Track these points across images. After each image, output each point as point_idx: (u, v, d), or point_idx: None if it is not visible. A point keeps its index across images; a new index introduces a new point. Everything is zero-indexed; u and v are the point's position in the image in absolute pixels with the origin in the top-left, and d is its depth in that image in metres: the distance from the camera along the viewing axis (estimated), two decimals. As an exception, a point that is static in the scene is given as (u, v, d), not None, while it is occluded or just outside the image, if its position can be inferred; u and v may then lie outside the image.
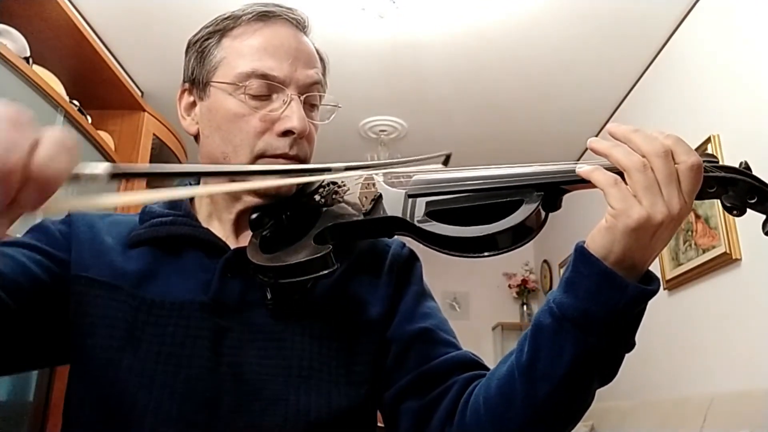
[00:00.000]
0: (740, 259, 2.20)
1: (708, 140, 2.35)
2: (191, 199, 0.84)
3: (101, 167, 0.40)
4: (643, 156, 0.56)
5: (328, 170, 0.65)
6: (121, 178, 0.43)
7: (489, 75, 3.10)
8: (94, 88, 2.48)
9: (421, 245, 0.68)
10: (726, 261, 2.25)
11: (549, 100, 3.32)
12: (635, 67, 3.01)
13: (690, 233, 2.53)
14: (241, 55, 0.75)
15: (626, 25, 2.68)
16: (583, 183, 0.61)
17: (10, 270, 0.67)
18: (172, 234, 0.76)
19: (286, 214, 0.77)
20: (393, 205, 0.70)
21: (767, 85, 2.08)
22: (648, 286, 0.58)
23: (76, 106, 2.18)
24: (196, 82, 0.79)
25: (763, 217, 0.60)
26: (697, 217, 2.47)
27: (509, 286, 4.81)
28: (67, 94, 2.15)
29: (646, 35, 2.77)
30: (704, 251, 2.41)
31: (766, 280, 2.06)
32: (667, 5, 2.57)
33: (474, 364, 0.75)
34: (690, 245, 2.53)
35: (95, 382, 0.69)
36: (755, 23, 2.17)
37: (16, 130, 0.37)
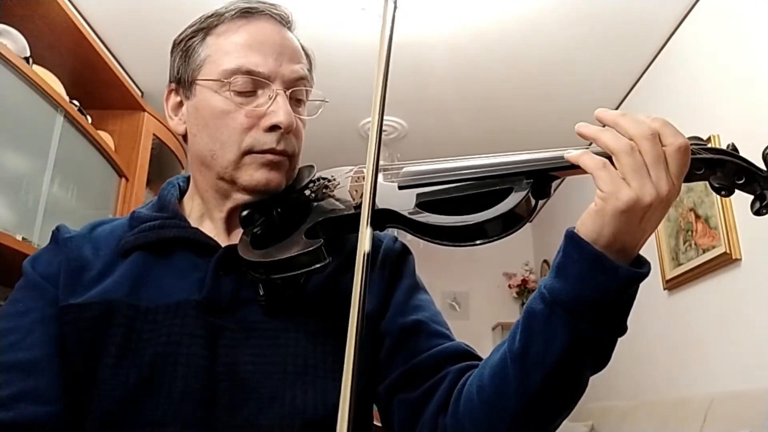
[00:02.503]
0: (740, 259, 2.20)
1: (708, 140, 2.35)
2: (180, 200, 0.84)
3: None
4: (631, 139, 0.56)
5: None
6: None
7: (489, 75, 3.10)
8: (94, 88, 2.47)
9: (414, 237, 0.68)
10: (726, 261, 2.25)
11: (549, 100, 3.32)
12: (635, 67, 3.01)
13: (690, 233, 2.53)
14: (226, 52, 0.75)
15: (626, 25, 2.68)
16: (572, 168, 0.61)
17: (51, 381, 0.68)
18: (161, 238, 0.76)
19: (277, 210, 0.76)
20: (384, 197, 0.70)
21: (767, 85, 2.08)
22: (639, 269, 0.58)
23: (76, 106, 2.18)
24: (182, 82, 0.79)
25: (751, 197, 0.60)
26: (697, 217, 2.47)
27: (509, 286, 4.81)
28: (67, 94, 2.14)
29: (646, 35, 2.77)
30: (704, 251, 2.41)
31: (766, 280, 2.06)
32: (667, 5, 2.57)
33: (467, 354, 0.75)
34: (690, 245, 2.53)
35: (96, 399, 0.68)
36: (755, 23, 2.17)
37: None
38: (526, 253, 4.82)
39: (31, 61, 1.96)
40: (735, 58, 2.28)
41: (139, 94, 2.96)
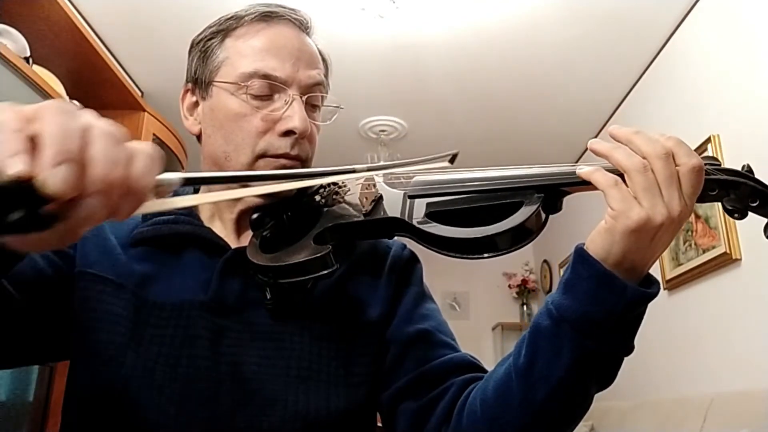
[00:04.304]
0: (740, 259, 2.20)
1: (708, 140, 2.35)
2: None
3: (176, 176, 0.46)
4: (644, 158, 0.56)
5: (352, 171, 0.65)
6: (191, 183, 0.47)
7: (489, 75, 3.10)
8: (94, 88, 2.48)
9: (421, 246, 0.68)
10: (726, 261, 2.25)
11: (549, 100, 3.32)
12: (635, 67, 3.01)
13: (690, 233, 2.53)
14: (244, 55, 0.75)
15: (626, 25, 2.68)
16: (584, 185, 0.61)
17: (22, 269, 0.67)
18: (174, 232, 0.76)
19: (287, 214, 0.77)
20: (393, 206, 0.70)
21: (767, 85, 2.09)
22: (648, 288, 0.57)
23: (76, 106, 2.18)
24: (199, 82, 0.79)
25: (765, 220, 0.60)
26: (697, 217, 2.47)
27: (509, 286, 4.81)
28: (67, 94, 2.15)
29: (646, 35, 2.77)
30: (704, 251, 2.41)
31: (766, 280, 2.06)
32: (667, 5, 2.57)
33: (472, 366, 0.75)
34: (690, 245, 2.53)
35: (97, 379, 0.69)
36: (755, 23, 2.17)
37: (117, 145, 0.40)
38: (526, 253, 4.82)
39: (31, 61, 1.96)
40: (735, 57, 2.28)
41: (139, 94, 2.96)
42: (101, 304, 0.71)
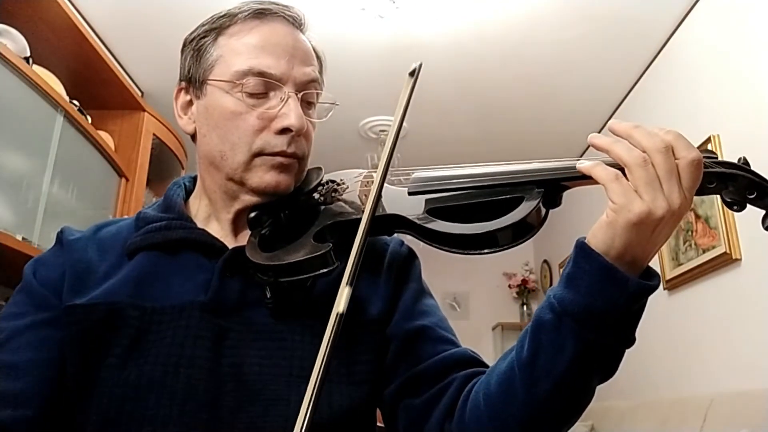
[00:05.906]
0: (740, 259, 2.20)
1: (708, 140, 2.35)
2: (186, 200, 0.84)
3: None
4: (644, 151, 0.56)
5: None
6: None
7: (489, 75, 3.10)
8: (94, 88, 2.47)
9: (421, 243, 0.67)
10: (726, 261, 2.26)
11: (549, 101, 3.32)
12: (635, 67, 3.01)
13: (690, 233, 2.53)
14: (238, 53, 0.75)
15: (626, 25, 2.68)
16: (584, 179, 0.61)
17: (28, 385, 0.68)
18: (168, 239, 0.76)
19: (285, 212, 0.76)
20: (393, 203, 0.70)
21: (767, 85, 2.09)
22: (649, 281, 0.58)
23: (76, 106, 2.17)
24: (193, 81, 0.78)
25: (763, 212, 0.60)
26: (697, 217, 2.47)
27: (509, 286, 4.81)
28: (67, 94, 2.14)
29: (646, 35, 2.77)
30: (704, 251, 2.41)
31: (766, 280, 2.06)
32: (667, 5, 2.57)
33: (473, 361, 0.75)
34: (690, 245, 2.53)
35: (95, 398, 0.68)
36: (755, 23, 2.17)
37: None
38: (526, 253, 4.82)
39: (31, 61, 1.96)
40: (735, 58, 2.28)
41: (139, 94, 2.96)
42: (95, 334, 0.69)
